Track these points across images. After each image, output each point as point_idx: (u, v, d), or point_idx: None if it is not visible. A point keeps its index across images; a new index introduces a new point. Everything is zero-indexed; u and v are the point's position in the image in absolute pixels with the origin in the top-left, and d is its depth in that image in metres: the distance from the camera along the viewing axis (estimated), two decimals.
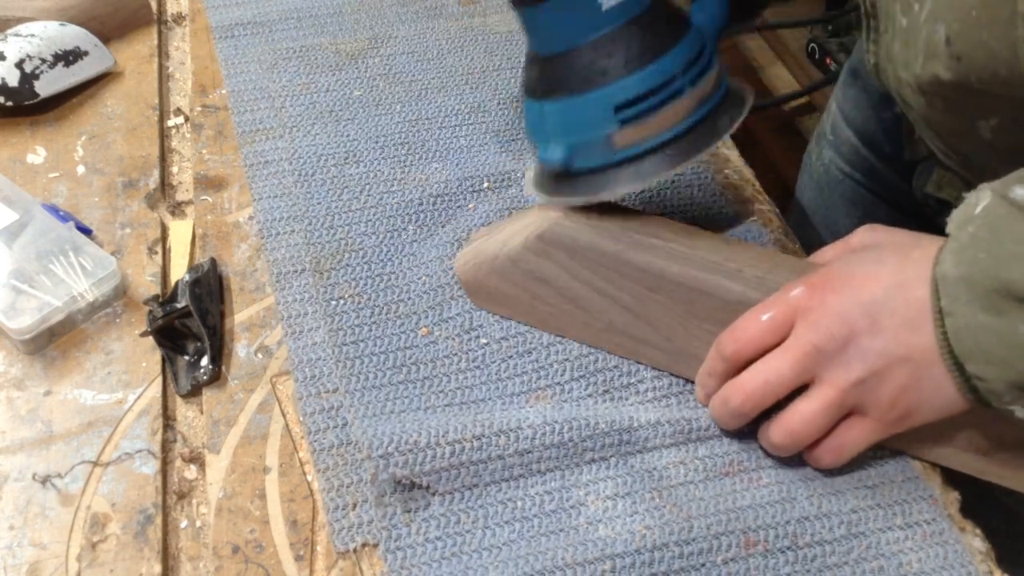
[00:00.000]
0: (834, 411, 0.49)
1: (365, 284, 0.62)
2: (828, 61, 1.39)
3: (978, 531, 0.52)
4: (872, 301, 0.48)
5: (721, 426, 0.54)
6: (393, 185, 0.68)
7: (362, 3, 0.85)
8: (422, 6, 0.85)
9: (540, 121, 0.55)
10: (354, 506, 0.51)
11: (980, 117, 0.53)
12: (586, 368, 0.57)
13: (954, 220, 0.46)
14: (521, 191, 0.68)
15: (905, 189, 0.72)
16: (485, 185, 0.68)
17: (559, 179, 0.56)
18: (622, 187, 0.54)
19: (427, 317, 0.60)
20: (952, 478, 0.54)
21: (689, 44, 0.53)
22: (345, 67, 0.78)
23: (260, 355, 0.59)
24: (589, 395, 0.56)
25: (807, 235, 0.89)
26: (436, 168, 0.70)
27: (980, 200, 0.45)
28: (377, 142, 0.71)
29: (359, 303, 0.61)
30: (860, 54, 0.79)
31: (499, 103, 0.75)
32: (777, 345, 0.50)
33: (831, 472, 0.53)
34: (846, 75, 0.83)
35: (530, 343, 0.59)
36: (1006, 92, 0.49)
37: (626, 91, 0.52)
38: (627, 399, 0.56)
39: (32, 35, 0.72)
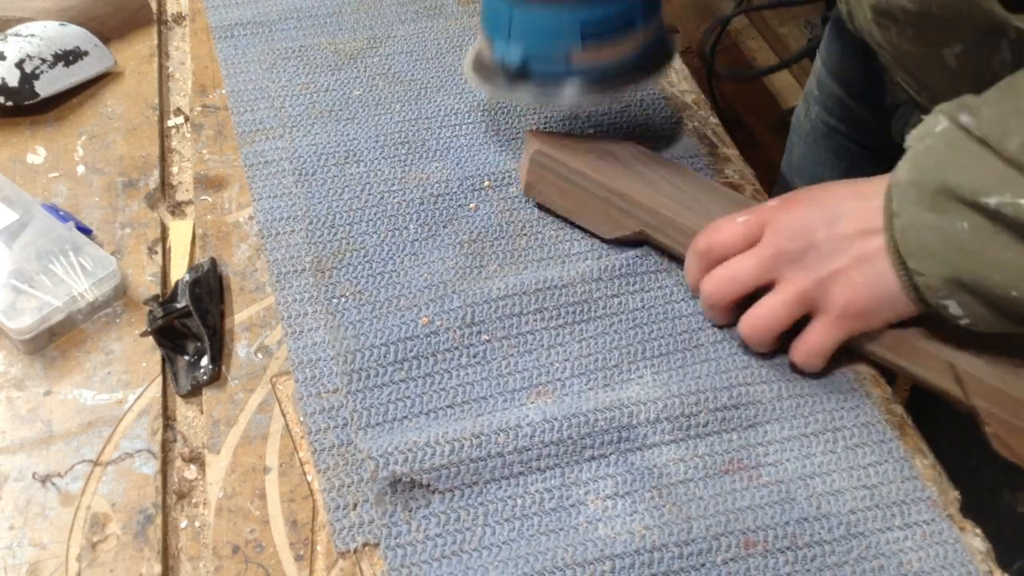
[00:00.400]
0: (793, 307, 0.54)
1: (367, 282, 0.62)
2: None
3: (978, 531, 0.52)
4: (832, 208, 0.54)
5: (709, 318, 0.60)
6: (394, 184, 0.68)
7: (361, 3, 0.85)
8: (421, 6, 0.85)
9: (505, 21, 0.60)
10: (355, 506, 0.51)
11: (945, 45, 0.58)
12: (586, 367, 0.57)
13: (913, 135, 0.51)
14: (519, 193, 0.68)
15: (888, 139, 0.74)
16: (486, 184, 0.68)
17: (512, 77, 0.62)
18: (570, 98, 0.61)
19: (428, 308, 0.60)
20: (952, 478, 0.54)
21: None
22: (344, 67, 0.78)
23: (260, 355, 0.59)
24: (590, 388, 0.56)
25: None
26: (436, 167, 0.70)
27: (938, 123, 0.50)
28: (377, 141, 0.71)
29: (360, 300, 0.61)
30: (837, 17, 0.83)
31: (498, 102, 0.75)
32: (747, 249, 0.56)
33: (830, 471, 0.53)
34: (829, 31, 0.86)
35: (531, 344, 0.59)
36: (963, 17, 0.54)
37: (594, 14, 0.58)
38: (627, 390, 0.56)
39: (32, 35, 0.72)
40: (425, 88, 0.76)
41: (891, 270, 0.52)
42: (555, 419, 0.53)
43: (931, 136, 0.51)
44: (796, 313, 0.54)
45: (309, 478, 0.53)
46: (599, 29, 0.59)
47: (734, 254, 0.56)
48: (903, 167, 0.52)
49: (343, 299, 0.61)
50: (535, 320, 0.60)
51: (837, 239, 0.53)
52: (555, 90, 0.61)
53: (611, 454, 0.53)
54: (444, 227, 0.65)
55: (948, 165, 0.49)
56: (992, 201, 0.47)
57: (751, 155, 0.78)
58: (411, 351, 0.58)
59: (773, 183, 0.99)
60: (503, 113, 0.74)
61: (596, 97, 0.62)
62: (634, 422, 0.54)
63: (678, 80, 0.79)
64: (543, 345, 0.58)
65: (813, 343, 0.55)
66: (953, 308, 0.50)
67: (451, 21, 0.83)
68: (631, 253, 0.63)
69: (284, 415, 0.56)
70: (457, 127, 0.73)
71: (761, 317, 0.55)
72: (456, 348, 0.58)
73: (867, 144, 0.85)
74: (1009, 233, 0.47)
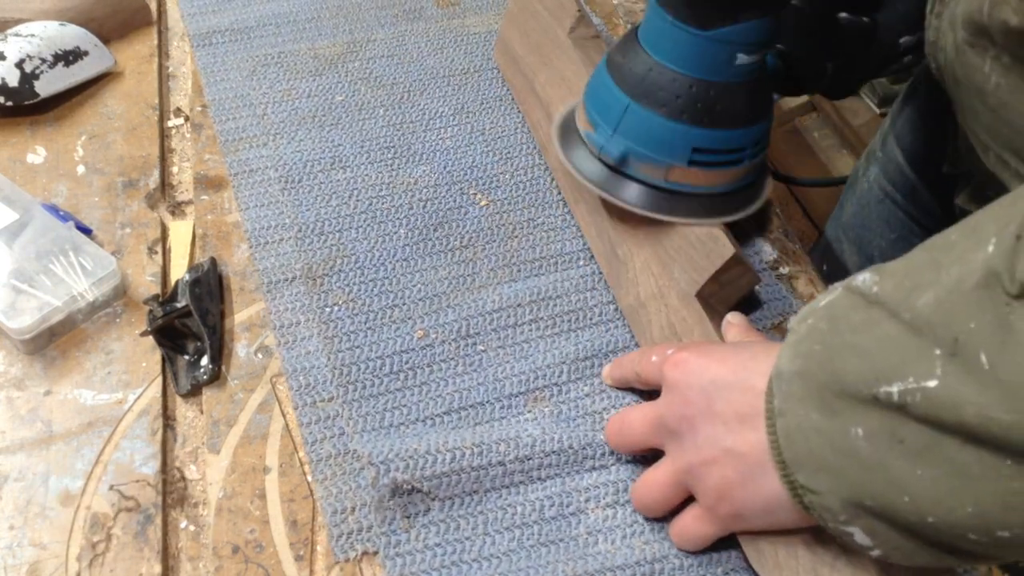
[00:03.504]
0: (671, 486, 0.47)
1: (359, 290, 0.60)
2: None
3: None
4: (712, 382, 0.44)
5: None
6: (382, 190, 0.66)
7: (340, 7, 0.82)
8: (400, 9, 0.82)
9: (618, 112, 0.55)
10: (352, 510, 0.50)
11: None
12: (583, 371, 0.56)
13: (797, 315, 0.42)
14: (508, 195, 0.66)
15: (940, 215, 0.70)
16: (472, 190, 0.67)
17: (601, 163, 0.57)
18: (645, 210, 0.56)
19: (423, 321, 0.58)
20: None
21: (767, 123, 0.56)
22: (325, 72, 0.75)
23: (260, 355, 0.57)
24: (587, 395, 0.55)
25: (840, 249, 0.86)
26: (424, 171, 0.68)
27: (828, 295, 0.40)
28: (363, 147, 0.69)
29: (353, 309, 0.59)
30: (920, 72, 0.76)
31: (482, 103, 0.73)
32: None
33: None
34: (905, 92, 0.80)
35: (527, 351, 0.57)
36: None
37: (710, 141, 0.54)
38: (624, 398, 0.55)
39: (32, 35, 0.70)
40: (408, 91, 0.74)
41: (775, 476, 0.41)
42: (555, 432, 0.51)
43: (813, 315, 0.40)
44: (674, 493, 0.47)
45: (309, 478, 0.51)
46: (707, 156, 0.54)
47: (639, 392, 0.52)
48: (785, 354, 0.40)
49: (336, 308, 0.59)
50: (531, 329, 0.58)
51: (712, 419, 0.44)
52: (637, 197, 0.56)
53: (612, 465, 0.52)
54: (435, 231, 0.64)
55: (834, 347, 0.38)
56: (893, 390, 0.35)
57: None
58: (407, 363, 0.56)
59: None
60: (487, 114, 0.72)
61: (692, 220, 0.56)
62: None
63: None
64: (539, 351, 0.57)
65: (685, 528, 0.47)
66: (859, 537, 0.39)
67: (431, 24, 0.81)
68: None
69: (284, 415, 0.54)
70: (442, 130, 0.71)
71: (642, 487, 0.49)
72: (452, 359, 0.56)
73: (919, 218, 0.77)
74: (916, 437, 0.35)
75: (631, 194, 0.56)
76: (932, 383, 0.34)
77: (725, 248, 0.52)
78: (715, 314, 0.54)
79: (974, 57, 0.50)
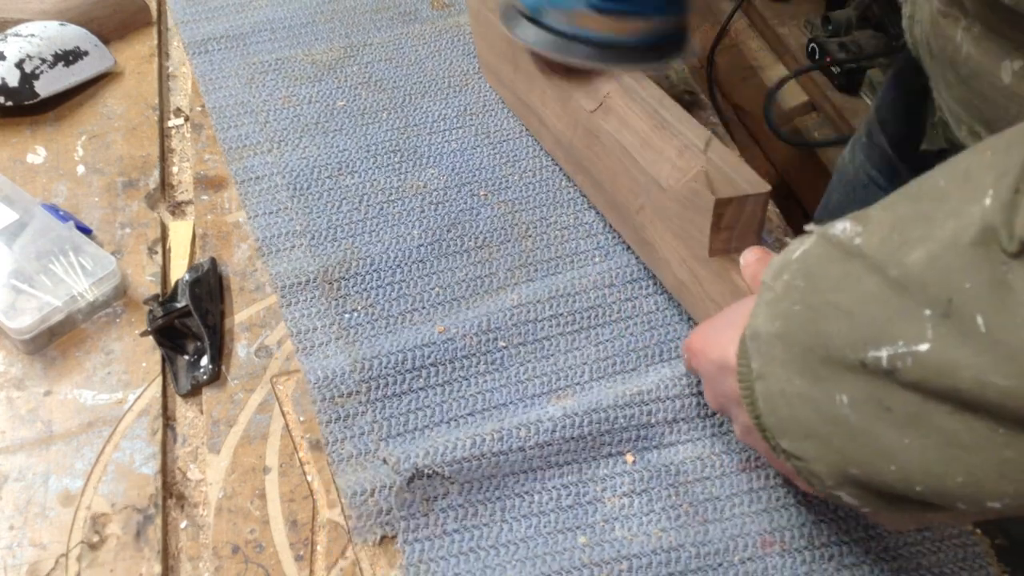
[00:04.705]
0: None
1: (377, 295, 0.60)
2: (828, 60, 1.38)
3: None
4: (707, 369, 0.47)
5: None
6: (391, 194, 0.66)
7: (335, 12, 0.82)
8: (395, 12, 0.82)
9: None
10: (372, 492, 0.49)
11: (1007, 56, 0.48)
12: (605, 370, 0.56)
13: (770, 268, 0.39)
14: (518, 195, 0.67)
15: None
16: (482, 191, 0.67)
17: (522, 16, 0.63)
18: (553, 54, 0.61)
19: (443, 321, 0.58)
20: None
21: None
22: (324, 77, 0.75)
23: (260, 355, 0.57)
24: (609, 390, 0.54)
25: None
26: (432, 174, 0.68)
27: (802, 244, 0.38)
28: (369, 151, 0.69)
29: (373, 315, 0.58)
30: (903, 58, 0.76)
31: (484, 105, 0.73)
32: None
33: None
34: (887, 81, 0.81)
35: (548, 349, 0.57)
36: None
37: None
38: (646, 394, 0.55)
39: (32, 35, 0.70)
40: (409, 95, 0.74)
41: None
42: (576, 415, 0.52)
43: (787, 269, 0.37)
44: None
45: (309, 478, 0.51)
46: (614, 5, 0.58)
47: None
48: (761, 313, 0.38)
49: (355, 313, 0.58)
50: (550, 326, 0.58)
51: (727, 404, 0.46)
52: (564, 46, 0.60)
53: (628, 452, 0.52)
54: (448, 231, 0.64)
55: (816, 307, 0.36)
56: (882, 355, 0.33)
57: (751, 155, 0.78)
58: (428, 357, 0.56)
59: (772, 181, 0.98)
60: (490, 116, 0.72)
61: (601, 64, 0.60)
62: (652, 420, 0.53)
63: (678, 80, 0.79)
64: (560, 350, 0.57)
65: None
66: (848, 499, 0.37)
67: (427, 25, 0.81)
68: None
69: (284, 415, 0.54)
70: (447, 132, 0.71)
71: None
72: (473, 355, 0.56)
73: None
74: (905, 404, 0.33)
75: (533, 36, 0.62)
76: (923, 347, 0.32)
77: (707, 197, 0.51)
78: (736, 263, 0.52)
79: (947, 27, 0.50)
